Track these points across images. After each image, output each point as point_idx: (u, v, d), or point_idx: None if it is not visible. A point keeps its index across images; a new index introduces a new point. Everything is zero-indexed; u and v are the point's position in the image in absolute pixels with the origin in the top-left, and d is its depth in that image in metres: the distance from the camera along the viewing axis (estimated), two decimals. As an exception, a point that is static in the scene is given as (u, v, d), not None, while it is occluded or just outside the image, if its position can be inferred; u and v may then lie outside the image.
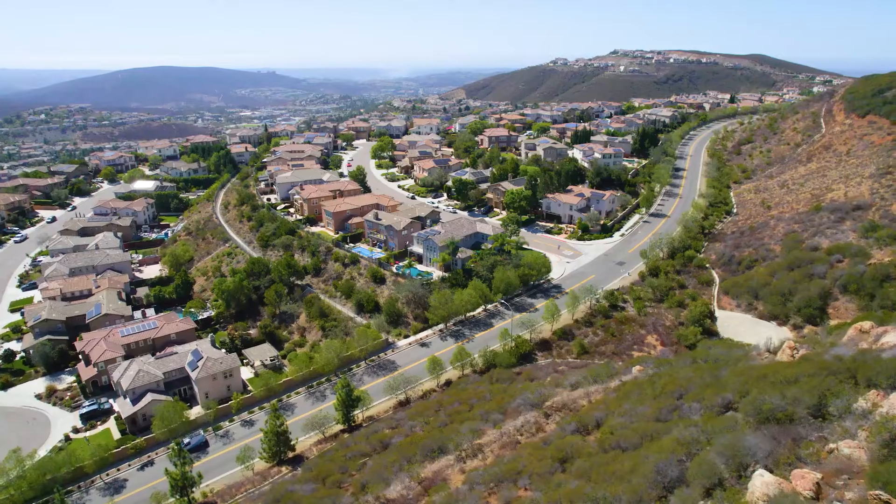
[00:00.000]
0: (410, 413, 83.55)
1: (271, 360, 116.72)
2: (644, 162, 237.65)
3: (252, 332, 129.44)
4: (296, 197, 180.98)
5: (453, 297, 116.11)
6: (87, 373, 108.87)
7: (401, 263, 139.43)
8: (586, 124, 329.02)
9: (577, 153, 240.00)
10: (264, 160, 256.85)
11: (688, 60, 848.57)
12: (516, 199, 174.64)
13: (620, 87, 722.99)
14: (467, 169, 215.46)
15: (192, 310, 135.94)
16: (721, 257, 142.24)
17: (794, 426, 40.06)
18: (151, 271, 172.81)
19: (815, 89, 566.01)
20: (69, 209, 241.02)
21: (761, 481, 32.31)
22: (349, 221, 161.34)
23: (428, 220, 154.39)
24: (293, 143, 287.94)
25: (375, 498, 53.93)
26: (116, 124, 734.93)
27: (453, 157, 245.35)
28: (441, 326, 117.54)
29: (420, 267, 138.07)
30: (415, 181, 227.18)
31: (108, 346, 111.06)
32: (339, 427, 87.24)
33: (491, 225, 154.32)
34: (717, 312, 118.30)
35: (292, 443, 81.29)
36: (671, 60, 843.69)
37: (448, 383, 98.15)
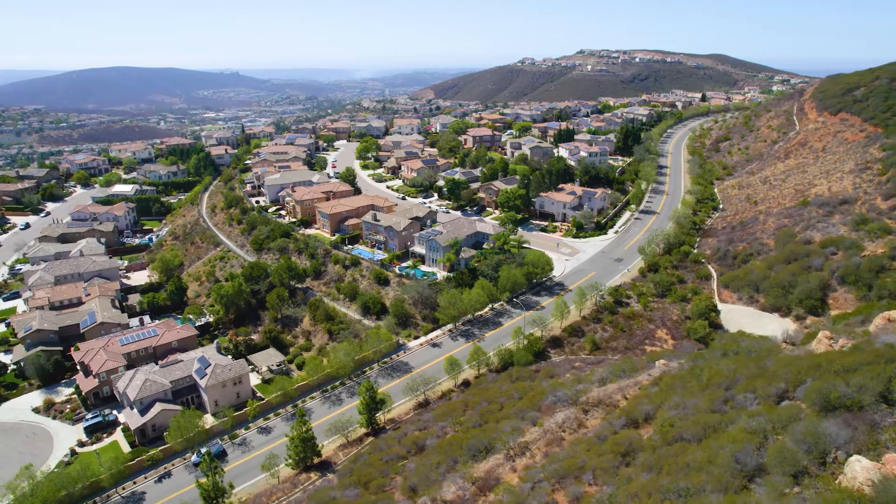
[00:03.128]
0: (437, 414, 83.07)
1: (278, 366, 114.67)
2: (629, 160, 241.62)
3: (255, 337, 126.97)
4: (287, 199, 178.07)
5: (461, 296, 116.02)
6: (87, 384, 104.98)
7: (404, 264, 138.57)
8: (566, 123, 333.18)
9: (563, 152, 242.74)
10: (247, 162, 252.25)
11: (653, 60, 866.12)
12: (511, 198, 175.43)
13: (588, 87, 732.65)
14: (457, 169, 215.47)
15: (190, 316, 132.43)
16: (716, 252, 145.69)
17: (864, 413, 41.31)
18: (139, 277, 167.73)
19: (774, 88, 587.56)
20: (43, 215, 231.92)
21: (860, 466, 33.14)
22: (346, 223, 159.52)
23: (427, 221, 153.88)
24: (275, 144, 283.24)
25: (432, 500, 53.42)
26: (75, 126, 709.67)
27: (440, 157, 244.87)
28: (450, 326, 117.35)
29: (424, 267, 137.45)
30: (403, 182, 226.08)
31: (108, 356, 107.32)
32: (363, 430, 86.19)
33: (490, 224, 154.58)
34: (720, 306, 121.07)
35: (318, 448, 79.93)
36: (637, 60, 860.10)
37: (466, 383, 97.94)
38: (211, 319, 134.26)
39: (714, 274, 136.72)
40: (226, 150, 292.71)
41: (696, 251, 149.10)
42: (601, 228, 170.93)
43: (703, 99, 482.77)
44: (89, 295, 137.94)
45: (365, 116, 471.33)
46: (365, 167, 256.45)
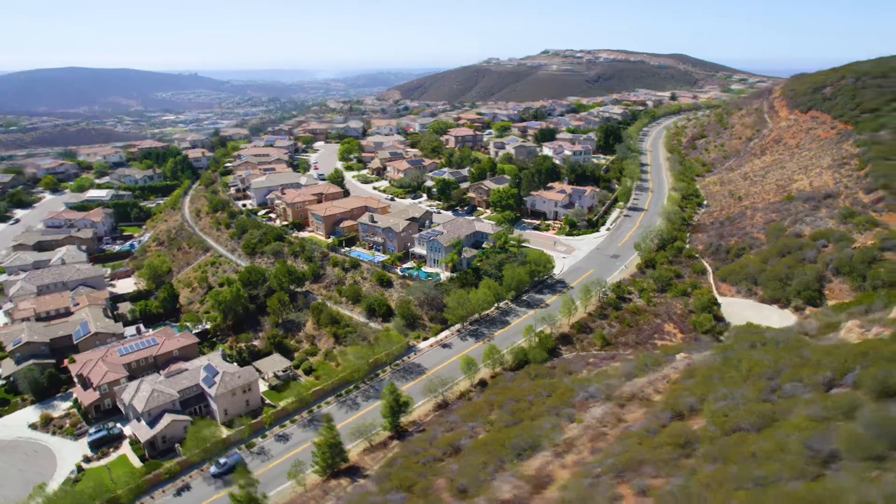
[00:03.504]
0: (462, 415, 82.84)
1: (284, 372, 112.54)
2: (611, 158, 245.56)
3: (256, 343, 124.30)
4: (277, 202, 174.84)
5: (468, 296, 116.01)
6: (87, 397, 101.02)
7: (405, 265, 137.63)
8: (545, 122, 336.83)
9: (547, 151, 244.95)
10: (227, 165, 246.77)
11: (616, 59, 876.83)
12: (504, 197, 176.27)
13: (555, 86, 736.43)
14: (445, 169, 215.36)
15: (188, 324, 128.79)
16: (709, 247, 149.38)
17: (924, 397, 42.99)
18: (125, 285, 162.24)
19: (732, 86, 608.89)
20: (11, 222, 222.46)
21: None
22: (341, 225, 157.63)
23: (426, 221, 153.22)
24: (254, 146, 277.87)
25: (487, 501, 53.18)
26: (27, 130, 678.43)
27: (425, 157, 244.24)
28: (458, 327, 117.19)
29: (426, 268, 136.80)
30: (390, 183, 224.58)
31: (109, 367, 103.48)
32: (387, 434, 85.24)
33: (488, 224, 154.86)
34: (720, 299, 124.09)
35: (345, 453, 78.75)
36: (601, 60, 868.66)
37: (482, 383, 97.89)
38: (208, 326, 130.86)
39: (709, 268, 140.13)
40: (203, 153, 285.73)
41: (688, 246, 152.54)
42: (593, 226, 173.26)
43: (673, 98, 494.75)
44: (77, 304, 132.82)
45: (332, 118, 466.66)
46: (349, 168, 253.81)
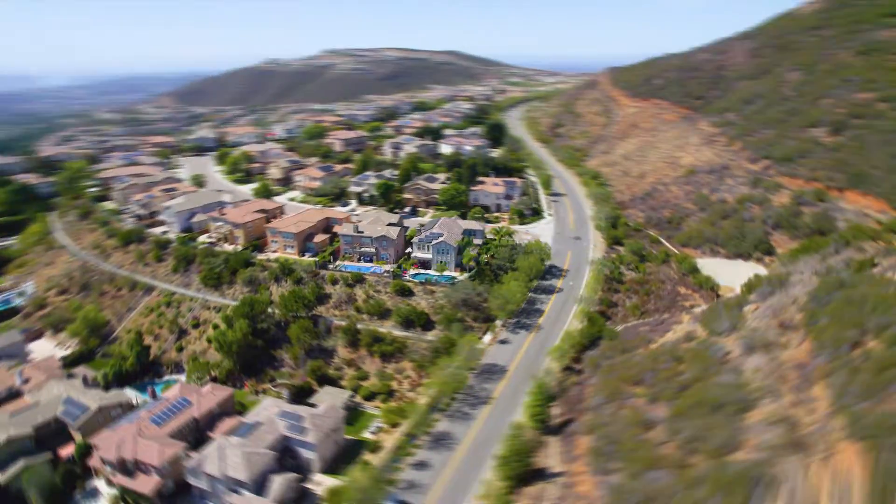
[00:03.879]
0: (605, 396, 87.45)
1: (350, 401, 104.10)
2: (502, 150, 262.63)
3: (289, 381, 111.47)
4: (217, 224, 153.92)
5: (503, 290, 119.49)
6: (145, 484, 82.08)
7: (413, 272, 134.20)
8: (424, 122, 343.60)
9: (447, 148, 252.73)
10: (91, 189, 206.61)
11: (403, 58, 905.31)
12: (454, 194, 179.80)
13: (350, 85, 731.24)
14: (368, 173, 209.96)
15: (196, 375, 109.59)
16: (649, 220, 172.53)
17: None
18: (43, 348, 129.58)
19: (512, 80, 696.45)
20: None
21: None
22: (313, 240, 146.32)
23: (421, 228, 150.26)
24: (111, 165, 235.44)
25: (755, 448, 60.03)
26: None
27: (335, 164, 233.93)
28: (500, 322, 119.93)
29: (433, 271, 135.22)
30: (304, 193, 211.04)
31: (161, 443, 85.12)
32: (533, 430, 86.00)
33: (475, 223, 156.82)
34: (697, 261, 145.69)
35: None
36: (389, 58, 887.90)
37: (568, 368, 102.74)
38: (217, 374, 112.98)
39: (662, 238, 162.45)
40: (36, 177, 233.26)
41: (632, 222, 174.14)
42: (537, 214, 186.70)
43: (502, 92, 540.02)
44: (28, 381, 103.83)
45: (108, 130, 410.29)
46: (241, 181, 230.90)
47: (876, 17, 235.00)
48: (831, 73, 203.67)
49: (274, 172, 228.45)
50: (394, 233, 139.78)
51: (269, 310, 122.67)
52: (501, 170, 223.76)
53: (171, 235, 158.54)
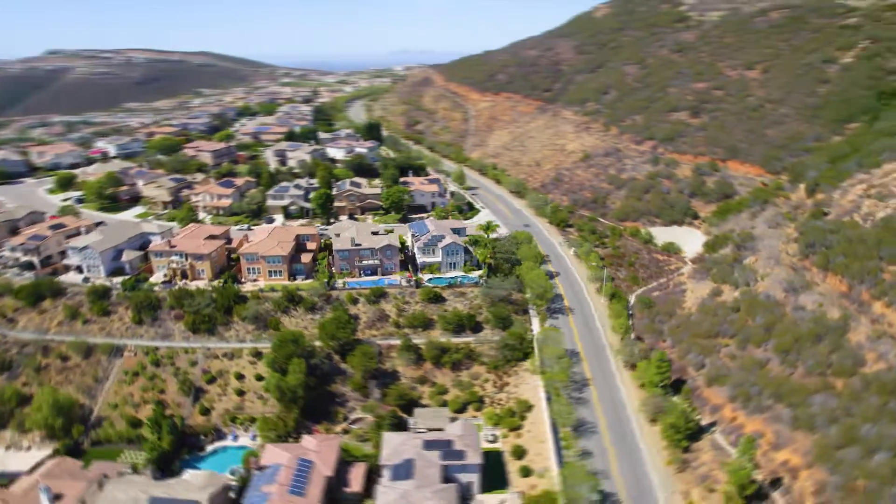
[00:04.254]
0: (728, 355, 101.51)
1: (449, 420, 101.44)
2: (388, 150, 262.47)
3: (368, 416, 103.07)
4: (173, 258, 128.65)
5: (530, 279, 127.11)
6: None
7: (430, 276, 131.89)
8: (286, 128, 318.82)
9: (337, 153, 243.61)
10: None
11: (153, 59, 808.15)
12: (399, 197, 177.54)
13: (100, 92, 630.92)
14: (287, 184, 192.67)
15: (269, 431, 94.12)
16: (575, 202, 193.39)
17: None
18: (12, 459, 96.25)
19: (284, 80, 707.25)
20: None
21: None
22: (299, 262, 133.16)
23: (381, 232, 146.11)
24: None
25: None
26: None
27: (236, 178, 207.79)
28: (535, 310, 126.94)
29: (445, 273, 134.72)
30: (211, 213, 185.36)
31: (329, 509, 74.11)
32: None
33: (455, 222, 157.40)
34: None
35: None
36: (135, 60, 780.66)
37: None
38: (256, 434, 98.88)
39: (598, 217, 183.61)
40: None
41: (563, 205, 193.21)
42: (472, 209, 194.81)
43: (316, 94, 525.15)
44: (61, 497, 78.53)
45: None
46: (110, 209, 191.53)
47: (669, 22, 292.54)
48: (664, 67, 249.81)
49: (158, 194, 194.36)
50: (394, 241, 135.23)
51: (309, 343, 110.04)
52: (405, 168, 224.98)
53: (99, 281, 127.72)
